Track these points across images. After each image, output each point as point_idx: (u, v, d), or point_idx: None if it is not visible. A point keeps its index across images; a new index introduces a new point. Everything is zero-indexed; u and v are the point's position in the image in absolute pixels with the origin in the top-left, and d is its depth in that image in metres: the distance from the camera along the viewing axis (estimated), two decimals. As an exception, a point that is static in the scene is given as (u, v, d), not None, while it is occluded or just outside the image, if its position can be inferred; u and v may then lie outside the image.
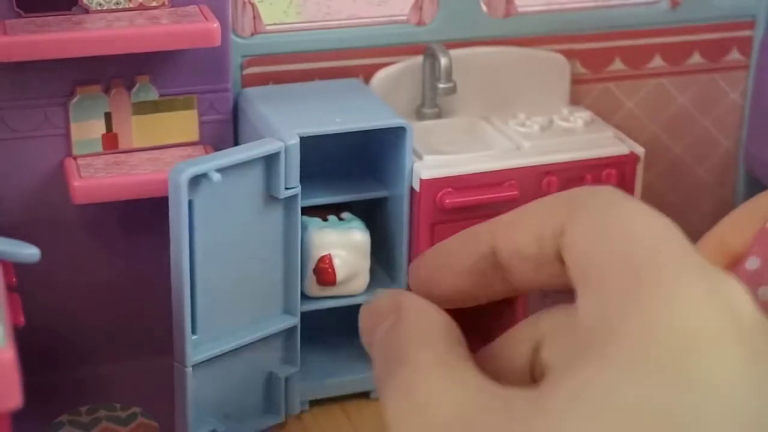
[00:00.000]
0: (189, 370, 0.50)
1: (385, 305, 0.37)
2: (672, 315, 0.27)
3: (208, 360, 0.51)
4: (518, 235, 0.34)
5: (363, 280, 0.56)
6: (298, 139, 0.52)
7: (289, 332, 0.54)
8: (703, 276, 0.28)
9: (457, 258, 0.37)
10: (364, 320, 0.38)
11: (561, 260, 0.33)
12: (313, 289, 0.55)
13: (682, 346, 0.27)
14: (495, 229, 0.36)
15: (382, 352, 0.35)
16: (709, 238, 0.61)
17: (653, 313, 0.27)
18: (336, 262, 0.54)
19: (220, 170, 0.48)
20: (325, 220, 0.55)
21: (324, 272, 0.54)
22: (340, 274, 0.54)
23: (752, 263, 0.58)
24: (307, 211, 0.55)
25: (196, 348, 0.50)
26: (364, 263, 0.55)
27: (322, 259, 0.54)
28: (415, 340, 0.34)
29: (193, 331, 0.50)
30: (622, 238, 0.30)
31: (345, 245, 0.55)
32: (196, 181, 0.48)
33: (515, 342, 0.35)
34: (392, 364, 0.33)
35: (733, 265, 0.59)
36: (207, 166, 0.48)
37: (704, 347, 0.27)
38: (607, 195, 0.32)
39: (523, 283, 0.35)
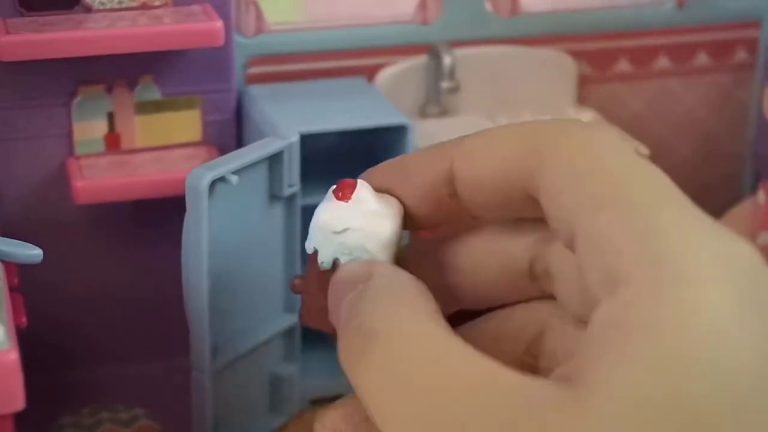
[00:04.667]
0: (209, 377, 0.49)
1: (354, 275, 0.33)
2: (699, 308, 0.26)
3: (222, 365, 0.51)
4: (480, 163, 0.32)
5: None
6: (299, 138, 0.51)
7: (289, 331, 0.54)
8: (720, 249, 0.27)
9: (416, 171, 0.34)
10: (330, 295, 0.34)
11: (528, 199, 0.31)
12: None
13: (712, 339, 0.26)
14: (457, 152, 0.33)
15: (350, 321, 0.31)
16: None
17: (681, 306, 0.26)
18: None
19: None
20: None
21: None
22: None
23: (765, 238, 0.57)
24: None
25: (214, 354, 0.50)
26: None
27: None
28: (389, 303, 0.31)
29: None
30: (612, 195, 0.29)
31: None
32: (211, 184, 0.48)
33: (512, 324, 0.34)
34: (364, 333, 0.30)
35: None
36: (224, 169, 0.47)
37: (734, 337, 0.26)
38: (580, 135, 0.30)
39: (478, 210, 0.34)
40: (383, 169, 0.36)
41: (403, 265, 0.34)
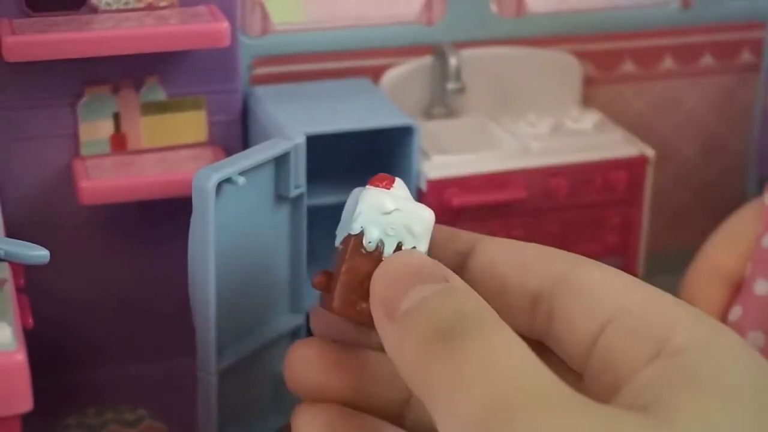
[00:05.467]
0: (215, 378, 0.49)
1: (424, 267, 0.32)
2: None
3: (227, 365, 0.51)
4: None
5: None
6: (305, 139, 0.51)
7: (295, 331, 0.54)
8: None
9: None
10: (382, 286, 0.32)
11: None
12: None
13: None
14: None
15: (421, 320, 0.30)
16: (701, 264, 0.60)
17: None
18: None
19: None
20: None
21: None
22: None
23: (761, 287, 0.57)
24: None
25: (219, 355, 0.50)
26: None
27: None
28: (484, 313, 0.30)
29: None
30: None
31: None
32: (218, 185, 0.48)
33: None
34: (451, 334, 0.29)
35: (734, 289, 0.59)
36: (231, 170, 0.47)
37: None
38: None
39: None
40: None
41: None
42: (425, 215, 0.35)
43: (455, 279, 0.32)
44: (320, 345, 0.37)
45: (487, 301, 0.31)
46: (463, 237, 0.36)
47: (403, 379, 0.31)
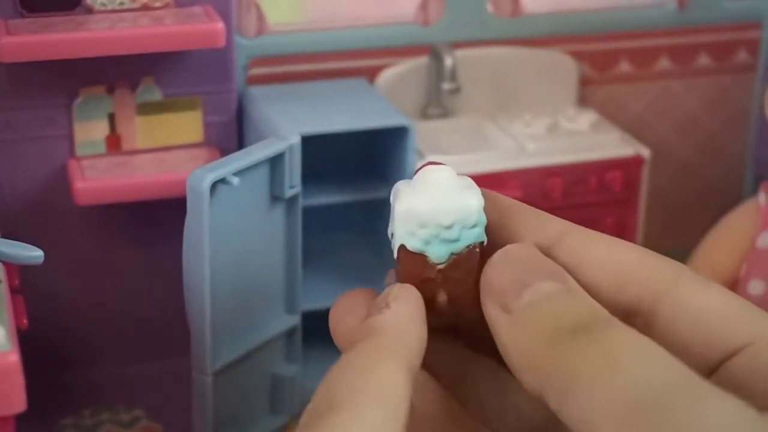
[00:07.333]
0: (210, 378, 0.49)
1: (538, 264, 0.31)
2: None
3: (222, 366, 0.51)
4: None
5: None
6: (299, 139, 0.51)
7: (290, 332, 0.54)
8: None
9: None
10: (502, 273, 0.31)
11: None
12: None
13: None
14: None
15: (546, 315, 0.29)
16: (696, 263, 0.60)
17: None
18: None
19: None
20: None
21: None
22: None
23: (755, 287, 0.57)
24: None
25: (215, 355, 0.50)
26: None
27: None
28: (610, 315, 0.29)
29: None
30: None
31: None
32: (213, 185, 0.48)
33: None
34: (586, 327, 0.28)
35: (728, 289, 0.59)
36: (225, 171, 0.47)
37: None
38: None
39: None
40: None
41: None
42: (472, 205, 0.32)
43: (571, 281, 0.31)
44: (365, 293, 0.35)
45: None
46: (549, 229, 0.33)
47: (518, 371, 0.30)
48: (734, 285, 0.58)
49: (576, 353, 0.28)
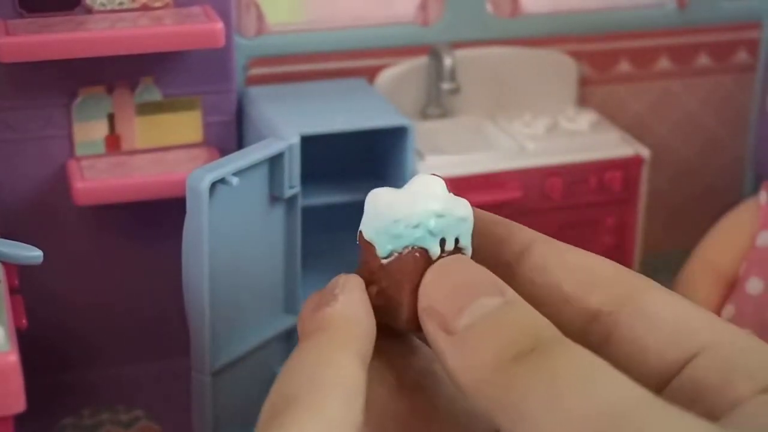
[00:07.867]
0: (210, 378, 0.49)
1: (474, 280, 0.30)
2: None
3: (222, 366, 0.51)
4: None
5: None
6: (299, 139, 0.51)
7: (289, 332, 0.54)
8: None
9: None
10: (438, 290, 0.31)
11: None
12: None
13: None
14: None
15: (489, 337, 0.29)
16: (696, 262, 0.60)
17: None
18: None
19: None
20: None
21: None
22: None
23: (754, 286, 0.57)
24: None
25: (214, 355, 0.50)
26: None
27: None
28: (551, 329, 0.29)
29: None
30: None
31: None
32: (212, 185, 0.48)
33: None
34: (518, 357, 0.28)
35: (728, 287, 0.59)
36: (224, 171, 0.47)
37: None
38: None
39: None
40: None
41: None
42: (429, 208, 0.32)
43: (510, 292, 0.30)
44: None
45: (537, 308, 0.30)
46: (518, 237, 0.33)
47: (466, 392, 0.29)
48: (733, 283, 0.58)
49: (522, 379, 0.28)
